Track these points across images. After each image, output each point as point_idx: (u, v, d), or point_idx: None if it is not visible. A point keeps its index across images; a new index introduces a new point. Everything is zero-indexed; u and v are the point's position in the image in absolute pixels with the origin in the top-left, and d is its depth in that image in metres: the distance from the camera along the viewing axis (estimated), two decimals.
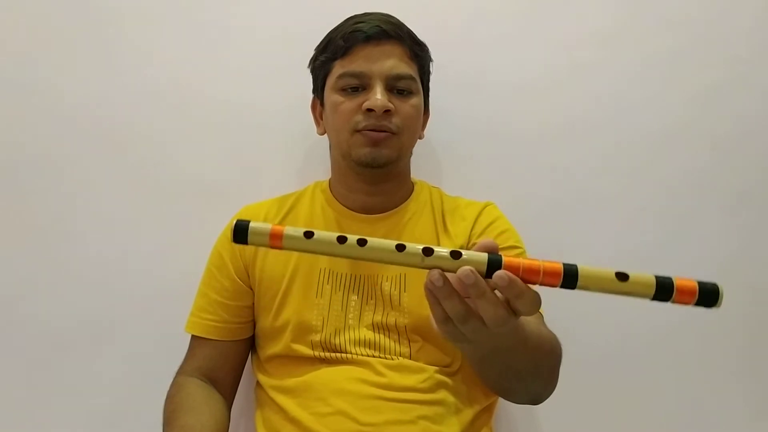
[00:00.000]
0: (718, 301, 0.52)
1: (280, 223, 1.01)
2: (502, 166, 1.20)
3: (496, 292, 0.56)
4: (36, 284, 1.15)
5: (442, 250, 0.56)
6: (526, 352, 0.75)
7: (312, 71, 1.03)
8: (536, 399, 0.86)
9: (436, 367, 0.91)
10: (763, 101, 1.22)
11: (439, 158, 1.20)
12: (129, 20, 1.19)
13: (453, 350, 0.93)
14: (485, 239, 0.57)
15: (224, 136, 1.19)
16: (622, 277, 0.52)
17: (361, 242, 0.56)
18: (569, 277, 0.53)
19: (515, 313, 0.56)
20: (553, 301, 0.93)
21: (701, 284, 0.52)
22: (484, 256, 0.55)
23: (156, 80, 1.19)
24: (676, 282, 0.52)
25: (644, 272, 0.52)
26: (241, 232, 0.57)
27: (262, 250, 0.99)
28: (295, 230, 0.57)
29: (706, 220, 1.20)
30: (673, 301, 0.52)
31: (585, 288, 0.53)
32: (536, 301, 0.56)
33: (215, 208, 1.08)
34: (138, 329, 1.15)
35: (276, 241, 0.56)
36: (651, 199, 1.21)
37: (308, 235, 0.56)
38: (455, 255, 0.55)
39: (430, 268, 0.56)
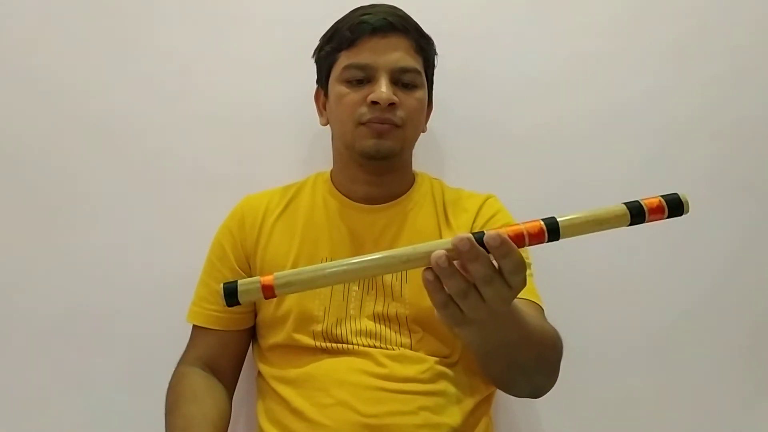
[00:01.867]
0: (685, 208, 0.57)
1: (280, 214, 1.01)
2: (504, 160, 1.21)
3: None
4: (36, 275, 1.15)
5: (429, 244, 0.58)
6: (530, 347, 0.76)
7: (316, 61, 1.02)
8: (537, 392, 0.88)
9: (437, 358, 0.92)
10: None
11: (440, 151, 1.20)
12: (130, 12, 1.18)
13: (453, 341, 0.94)
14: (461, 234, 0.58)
15: (225, 127, 1.19)
16: (599, 219, 0.56)
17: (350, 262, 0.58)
18: (552, 231, 0.56)
19: (503, 276, 0.57)
20: (553, 294, 0.95)
21: (666, 197, 0.57)
22: (469, 234, 0.57)
23: (157, 71, 1.18)
24: (645, 203, 0.57)
25: (613, 204, 0.57)
26: (231, 295, 0.57)
27: (263, 240, 0.99)
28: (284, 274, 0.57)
29: (713, 213, 1.21)
30: (649, 220, 0.57)
31: (570, 235, 0.56)
32: (520, 262, 0.57)
33: (217, 199, 1.07)
34: (139, 320, 1.15)
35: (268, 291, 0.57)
36: (657, 192, 1.20)
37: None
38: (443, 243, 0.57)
39: (422, 263, 0.58)
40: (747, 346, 1.22)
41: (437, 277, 0.58)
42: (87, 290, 1.15)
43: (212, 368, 0.98)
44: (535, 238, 0.56)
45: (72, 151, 1.16)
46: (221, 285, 0.57)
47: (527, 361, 0.79)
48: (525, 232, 0.56)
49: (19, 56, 1.16)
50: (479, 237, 0.56)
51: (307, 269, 0.58)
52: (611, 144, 1.21)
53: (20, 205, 1.15)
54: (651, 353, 1.20)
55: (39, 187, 1.16)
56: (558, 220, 0.56)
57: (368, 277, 0.59)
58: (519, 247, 0.57)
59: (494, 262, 0.57)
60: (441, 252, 0.56)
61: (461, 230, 0.98)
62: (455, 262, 0.57)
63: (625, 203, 0.57)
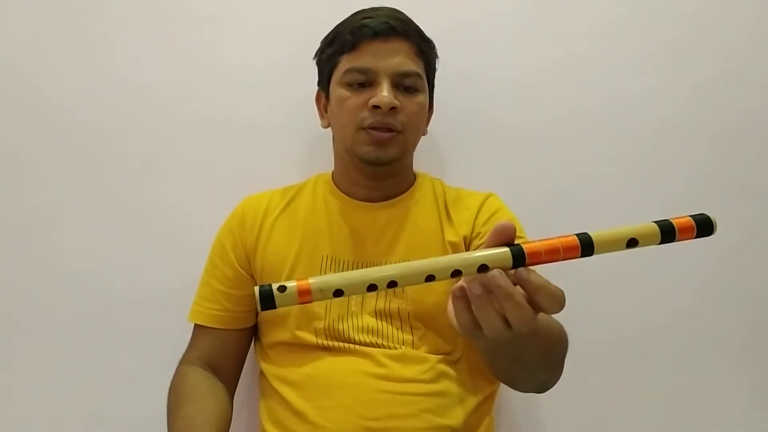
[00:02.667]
0: (713, 228, 0.58)
1: (280, 213, 1.02)
2: (503, 160, 1.21)
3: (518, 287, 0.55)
4: (38, 275, 1.15)
5: (469, 259, 0.55)
6: (537, 343, 0.75)
7: (318, 63, 1.02)
8: (542, 388, 0.88)
9: (438, 357, 0.93)
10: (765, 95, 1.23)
11: (440, 152, 1.20)
12: (131, 14, 1.17)
13: (455, 338, 0.95)
14: (503, 221, 0.57)
15: (226, 131, 1.18)
16: (631, 238, 0.57)
17: (392, 284, 0.55)
18: (586, 247, 0.56)
19: (537, 308, 0.55)
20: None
21: (695, 218, 0.58)
22: (507, 252, 0.55)
23: (158, 74, 1.17)
24: (675, 223, 0.57)
25: (644, 223, 0.57)
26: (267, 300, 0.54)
27: (263, 238, 1.00)
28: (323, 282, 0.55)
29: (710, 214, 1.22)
30: (678, 240, 0.58)
31: (602, 252, 0.57)
32: (561, 299, 0.55)
33: (217, 202, 1.07)
34: (141, 320, 1.15)
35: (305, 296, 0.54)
36: (653, 193, 1.22)
37: (338, 293, 0.55)
38: (482, 269, 0.55)
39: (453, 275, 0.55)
40: (747, 346, 1.23)
41: (466, 296, 0.56)
42: (90, 291, 1.15)
43: (213, 367, 0.99)
44: (568, 252, 0.56)
45: (74, 153, 1.16)
46: (256, 288, 0.54)
47: (533, 357, 0.79)
48: (561, 247, 0.56)
49: (13, 61, 1.16)
50: (518, 254, 0.55)
51: (349, 274, 0.55)
52: (609, 144, 1.22)
53: (22, 208, 1.15)
54: (653, 352, 1.21)
55: (42, 187, 1.16)
56: (592, 235, 0.56)
57: (410, 285, 0.57)
58: (553, 261, 0.56)
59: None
60: (476, 283, 0.54)
61: (463, 228, 0.98)
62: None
63: (655, 222, 0.57)
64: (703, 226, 0.58)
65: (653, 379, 1.21)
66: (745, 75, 1.23)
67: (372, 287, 0.54)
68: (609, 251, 0.57)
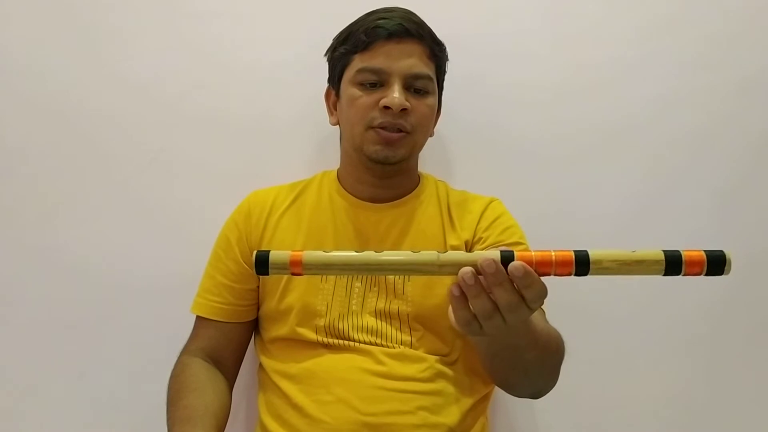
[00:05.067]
0: (726, 268, 0.53)
1: (286, 210, 1.02)
2: (509, 164, 1.22)
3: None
4: (40, 269, 1.15)
5: (459, 254, 0.58)
6: (536, 350, 0.77)
7: (329, 61, 1.03)
8: (538, 393, 0.90)
9: (436, 357, 0.94)
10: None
11: (446, 154, 1.21)
12: (141, 10, 1.18)
13: (453, 340, 0.96)
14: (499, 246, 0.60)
15: (233, 127, 1.19)
16: (633, 258, 0.53)
17: (377, 251, 0.58)
18: (581, 265, 0.54)
19: (525, 302, 0.59)
20: (550, 295, 0.97)
21: (709, 253, 0.53)
22: (497, 252, 0.58)
23: (167, 70, 1.18)
24: (685, 255, 0.53)
25: (652, 249, 0.53)
26: (262, 264, 0.58)
27: (268, 234, 1.00)
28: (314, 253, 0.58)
29: (716, 222, 1.23)
30: (684, 274, 0.53)
31: (597, 273, 0.54)
32: (543, 292, 0.59)
33: (224, 197, 1.08)
34: (145, 312, 1.16)
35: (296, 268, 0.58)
36: (660, 202, 1.22)
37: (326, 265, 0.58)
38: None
39: (446, 273, 0.59)
40: (744, 352, 1.24)
41: (463, 294, 0.59)
42: (94, 282, 1.16)
43: (214, 359, 1.00)
44: (561, 267, 0.55)
45: (79, 149, 1.17)
46: (254, 253, 0.58)
47: (531, 363, 0.81)
48: (553, 260, 0.55)
49: (19, 55, 1.16)
50: (507, 257, 0.56)
51: (337, 254, 0.57)
52: (616, 151, 1.23)
53: (23, 202, 1.16)
54: (647, 355, 1.22)
55: (45, 182, 1.16)
56: (589, 254, 0.54)
57: (394, 274, 0.60)
58: (543, 275, 0.57)
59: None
60: (468, 269, 0.57)
61: (465, 232, 0.99)
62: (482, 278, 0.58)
63: (663, 251, 0.53)
64: (715, 264, 0.53)
65: (648, 383, 1.22)
66: (758, 85, 1.24)
67: (361, 269, 0.58)
68: (606, 275, 0.54)
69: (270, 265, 0.58)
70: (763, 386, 1.24)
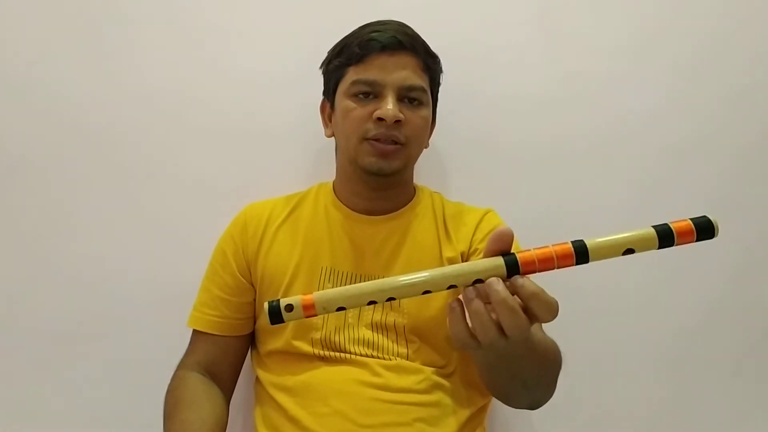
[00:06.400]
0: (715, 231, 0.56)
1: (283, 222, 1.02)
2: (504, 175, 1.22)
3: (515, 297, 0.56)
4: (38, 281, 1.15)
5: (464, 273, 0.56)
6: (534, 361, 0.77)
7: (324, 73, 1.03)
8: (535, 405, 0.89)
9: (433, 369, 0.94)
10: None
11: (442, 165, 1.21)
12: (136, 22, 1.19)
13: (449, 352, 0.96)
14: (501, 228, 0.58)
15: (229, 139, 1.19)
16: (627, 242, 0.56)
17: (390, 299, 0.57)
18: (581, 255, 0.56)
19: (531, 316, 0.56)
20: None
21: (695, 221, 0.56)
22: (501, 261, 0.56)
23: (160, 82, 1.19)
24: (674, 226, 0.56)
25: (642, 228, 0.56)
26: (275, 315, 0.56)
27: (264, 247, 1.00)
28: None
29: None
30: (677, 243, 0.56)
31: (597, 259, 0.56)
32: (552, 306, 0.56)
33: (219, 209, 1.08)
34: (141, 326, 1.16)
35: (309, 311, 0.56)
36: (657, 211, 1.21)
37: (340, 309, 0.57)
38: (477, 282, 0.56)
39: (449, 287, 0.57)
40: (743, 363, 1.24)
41: (462, 308, 0.57)
42: (91, 296, 1.16)
43: (211, 373, 0.99)
44: (563, 260, 0.56)
45: (75, 161, 1.17)
46: (266, 304, 0.57)
47: (529, 374, 0.80)
48: (554, 255, 0.56)
49: (20, 66, 1.17)
50: (511, 263, 0.56)
51: (347, 288, 0.57)
52: (610, 160, 1.23)
53: (23, 212, 1.16)
54: (645, 365, 1.22)
55: (44, 194, 1.17)
56: (587, 243, 0.56)
57: (407, 297, 0.59)
58: (547, 270, 0.56)
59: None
60: (471, 288, 0.56)
61: (461, 244, 0.99)
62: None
63: (653, 226, 0.56)
64: (704, 229, 0.56)
65: (646, 393, 1.22)
66: (753, 94, 1.25)
67: (372, 302, 0.56)
68: (605, 258, 0.56)
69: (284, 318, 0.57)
70: (763, 386, 1.24)
